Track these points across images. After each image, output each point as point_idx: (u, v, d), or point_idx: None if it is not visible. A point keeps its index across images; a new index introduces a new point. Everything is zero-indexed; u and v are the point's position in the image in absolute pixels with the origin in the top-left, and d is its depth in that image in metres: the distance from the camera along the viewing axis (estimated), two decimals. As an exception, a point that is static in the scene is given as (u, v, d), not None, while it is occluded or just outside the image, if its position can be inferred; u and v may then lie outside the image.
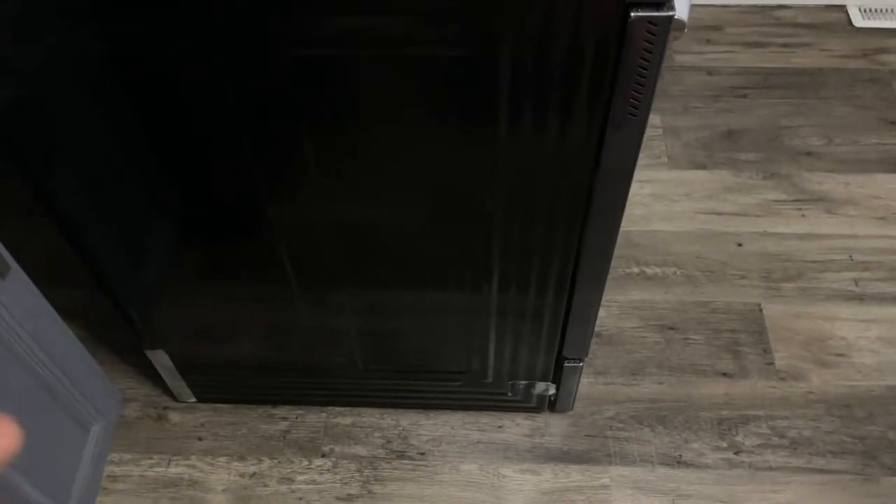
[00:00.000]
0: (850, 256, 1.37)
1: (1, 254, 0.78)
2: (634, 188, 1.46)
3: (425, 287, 0.91)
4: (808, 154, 1.52)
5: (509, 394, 1.14)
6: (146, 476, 1.15)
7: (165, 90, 0.67)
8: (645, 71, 0.62)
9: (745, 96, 1.62)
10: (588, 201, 0.76)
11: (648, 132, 1.55)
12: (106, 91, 0.67)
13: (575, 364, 1.06)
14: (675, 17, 0.60)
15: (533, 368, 1.07)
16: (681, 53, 1.71)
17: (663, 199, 1.46)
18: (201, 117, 0.69)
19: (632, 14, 0.58)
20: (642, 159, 1.51)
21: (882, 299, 1.31)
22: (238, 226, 0.85)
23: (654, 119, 1.58)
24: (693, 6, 1.79)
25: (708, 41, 1.73)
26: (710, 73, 1.67)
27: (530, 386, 1.12)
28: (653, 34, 0.59)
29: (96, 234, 0.86)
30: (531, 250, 0.83)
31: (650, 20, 0.58)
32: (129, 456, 1.17)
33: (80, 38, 0.63)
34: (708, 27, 1.76)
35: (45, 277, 1.36)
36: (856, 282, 1.34)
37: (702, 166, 1.51)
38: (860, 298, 1.32)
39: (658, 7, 0.58)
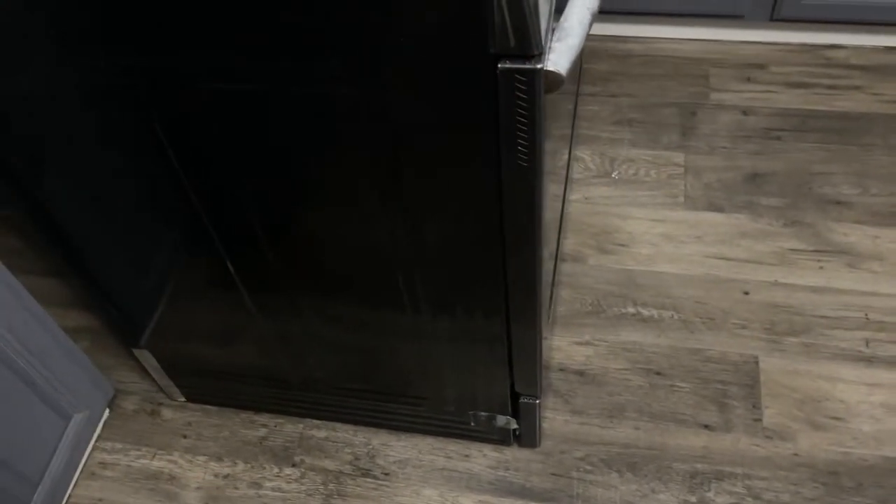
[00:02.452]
0: (866, 315, 1.29)
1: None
2: (645, 227, 1.44)
3: (368, 310, 0.94)
4: (838, 203, 1.45)
5: (472, 423, 1.14)
6: (132, 466, 1.23)
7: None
8: (524, 121, 0.63)
9: (778, 138, 1.56)
10: (502, 244, 0.77)
11: (669, 171, 1.53)
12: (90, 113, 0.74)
13: (531, 401, 1.06)
14: (549, 69, 0.60)
15: (490, 401, 1.08)
16: (717, 91, 1.66)
17: (673, 239, 1.42)
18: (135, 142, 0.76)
19: (499, 66, 0.59)
20: (657, 198, 1.49)
21: (893, 363, 1.23)
22: (209, 240, 0.91)
23: (676, 157, 1.55)
24: (739, 42, 1.74)
25: (748, 79, 1.68)
26: (745, 113, 1.62)
27: (491, 418, 1.12)
28: (524, 86, 0.60)
29: (80, 238, 0.94)
30: (454, 284, 0.84)
31: (518, 72, 0.59)
32: (119, 446, 1.25)
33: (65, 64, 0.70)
34: (751, 65, 1.70)
35: (52, 272, 1.48)
36: (867, 342, 1.26)
37: (719, 209, 1.46)
38: (869, 360, 1.24)
39: (527, 59, 0.59)
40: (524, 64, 0.59)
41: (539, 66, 0.59)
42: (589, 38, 1.79)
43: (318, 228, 0.82)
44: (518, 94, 0.61)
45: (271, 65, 0.63)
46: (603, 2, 1.66)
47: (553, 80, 0.61)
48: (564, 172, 1.40)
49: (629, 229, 1.45)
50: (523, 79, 0.60)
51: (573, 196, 1.52)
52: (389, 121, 0.66)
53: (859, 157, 1.52)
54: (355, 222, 0.79)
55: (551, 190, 1.14)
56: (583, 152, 1.58)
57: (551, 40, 0.63)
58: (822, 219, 1.43)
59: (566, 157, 1.43)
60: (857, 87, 1.63)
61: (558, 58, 0.61)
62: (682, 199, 1.49)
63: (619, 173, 1.54)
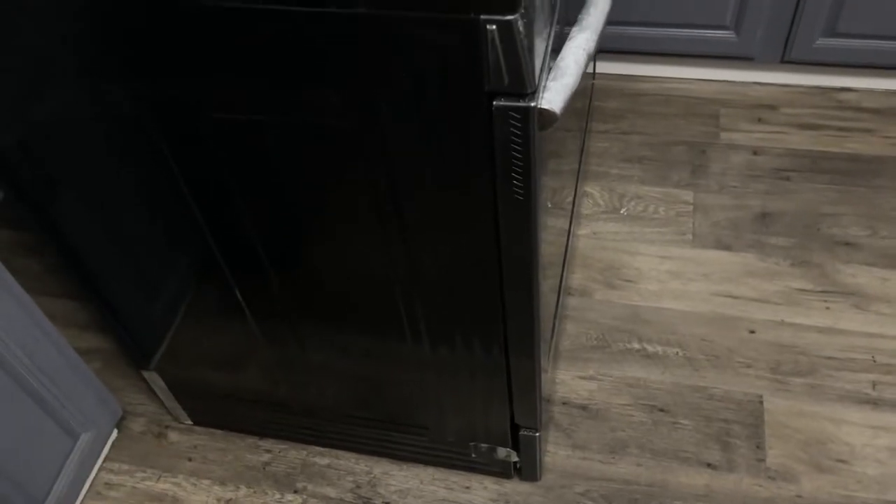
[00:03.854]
0: (873, 357, 1.29)
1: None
2: (652, 263, 1.45)
3: (370, 339, 0.96)
4: (847, 244, 1.45)
5: (473, 455, 1.15)
6: (137, 488, 1.25)
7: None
8: (519, 157, 0.65)
9: (788, 179, 1.57)
10: (500, 276, 0.79)
11: (677, 208, 1.54)
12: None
13: (531, 433, 1.06)
14: (543, 107, 0.63)
15: (490, 433, 1.08)
16: (728, 131, 1.68)
17: (680, 276, 1.43)
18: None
19: (493, 103, 0.61)
20: (666, 235, 1.50)
21: (899, 407, 1.22)
22: (218, 267, 0.94)
23: (685, 195, 1.56)
24: (750, 84, 1.76)
25: (759, 120, 1.69)
26: (755, 153, 1.63)
27: (492, 450, 1.12)
28: (518, 123, 0.62)
29: (95, 262, 0.97)
30: (454, 316, 0.86)
31: (512, 110, 0.61)
32: (126, 467, 1.27)
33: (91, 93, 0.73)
34: (762, 106, 1.72)
35: (69, 295, 1.51)
36: (874, 385, 1.25)
37: (727, 247, 1.47)
38: (875, 403, 1.23)
39: (521, 97, 0.61)
40: (518, 102, 0.61)
41: (533, 104, 0.61)
42: (600, 76, 1.82)
43: (321, 257, 0.84)
44: (513, 130, 0.63)
45: (273, 97, 0.66)
46: (613, 42, 1.69)
47: (547, 117, 0.63)
48: (571, 207, 1.42)
49: (636, 265, 1.46)
50: (517, 116, 0.62)
51: (581, 231, 1.53)
52: (387, 153, 0.68)
53: (869, 198, 1.52)
54: (355, 252, 0.81)
55: (557, 224, 1.16)
56: (592, 188, 1.60)
57: (546, 79, 0.65)
58: (831, 259, 1.43)
59: (574, 192, 1.44)
60: (868, 130, 1.64)
61: (553, 96, 0.63)
62: (690, 236, 1.49)
63: (628, 210, 1.55)
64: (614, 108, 1.75)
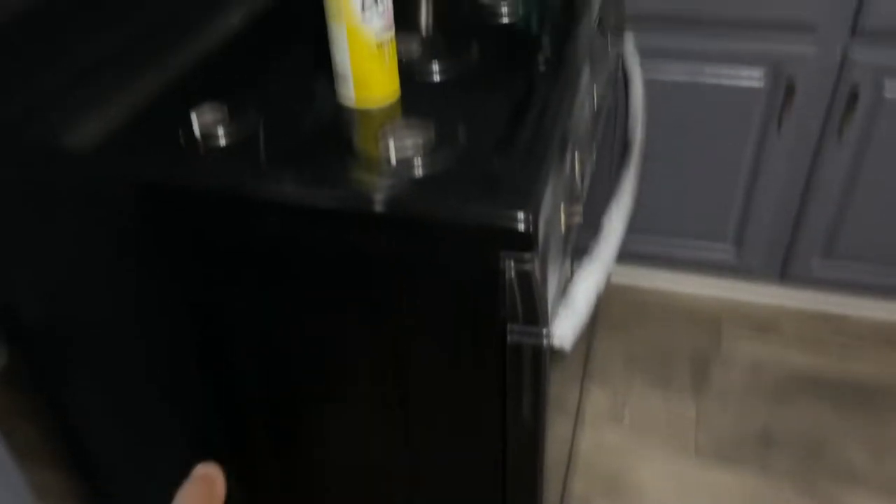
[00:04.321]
0: None
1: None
2: (655, 478, 1.43)
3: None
4: (852, 474, 1.42)
5: None
6: None
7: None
8: (530, 383, 0.67)
9: (791, 401, 1.57)
10: (503, 488, 0.78)
11: (680, 419, 1.53)
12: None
13: None
14: (554, 342, 0.65)
15: None
16: (729, 343, 1.70)
17: (683, 496, 1.40)
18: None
19: (507, 334, 0.64)
20: (668, 447, 1.48)
21: None
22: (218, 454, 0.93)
23: (688, 406, 1.56)
24: (752, 300, 1.81)
25: (761, 336, 1.72)
26: (756, 370, 1.64)
27: None
28: (530, 354, 0.65)
29: (95, 439, 0.97)
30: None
31: (524, 341, 0.64)
32: None
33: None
34: (764, 321, 1.76)
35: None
36: None
37: (731, 468, 1.44)
38: None
39: (534, 331, 0.64)
40: (531, 335, 0.64)
41: (545, 339, 0.64)
42: (605, 283, 1.88)
43: (325, 442, 0.84)
44: (523, 359, 0.65)
45: (293, 313, 0.70)
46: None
47: (557, 353, 0.66)
48: (575, 410, 1.42)
49: (638, 479, 1.43)
50: (530, 348, 0.64)
51: (583, 436, 1.52)
52: (401, 367, 0.71)
53: (874, 427, 1.51)
54: (361, 443, 0.81)
55: (561, 428, 1.16)
56: (595, 392, 1.61)
57: (558, 311, 0.68)
58: (836, 488, 1.40)
59: (577, 394, 1.45)
60: (870, 357, 1.67)
61: (564, 332, 0.66)
62: (692, 451, 1.48)
63: (631, 418, 1.55)
64: (617, 314, 1.79)
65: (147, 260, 0.72)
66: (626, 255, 1.79)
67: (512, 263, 0.59)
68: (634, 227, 1.70)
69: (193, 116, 0.72)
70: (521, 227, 0.57)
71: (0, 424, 1.40)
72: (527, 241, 0.58)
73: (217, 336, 0.76)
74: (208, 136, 0.71)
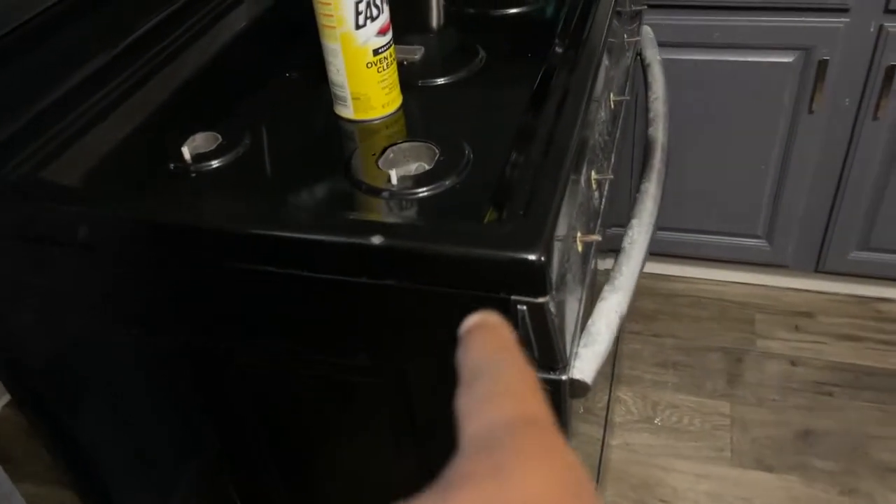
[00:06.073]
0: None
1: None
2: (688, 482, 1.37)
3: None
4: (898, 472, 1.36)
5: None
6: None
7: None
8: (558, 421, 0.62)
9: (830, 394, 1.51)
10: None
11: (714, 421, 1.47)
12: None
13: None
14: (575, 377, 0.60)
15: None
16: (764, 338, 1.64)
17: (719, 500, 1.34)
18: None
19: (523, 375, 0.59)
20: (702, 450, 1.42)
21: None
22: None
23: (722, 407, 1.50)
24: (785, 289, 1.74)
25: (797, 328, 1.65)
26: (793, 364, 1.58)
27: None
28: (549, 394, 0.60)
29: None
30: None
31: (543, 382, 0.59)
32: None
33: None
34: (799, 313, 1.69)
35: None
36: None
37: (768, 468, 1.38)
38: None
39: (552, 370, 0.59)
40: (549, 374, 0.59)
41: (564, 377, 0.59)
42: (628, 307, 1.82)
43: (335, 475, 0.80)
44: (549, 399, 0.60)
45: (302, 355, 0.65)
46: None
47: (579, 387, 0.60)
48: (605, 414, 1.36)
49: (672, 483, 1.38)
50: (548, 387, 0.59)
51: (614, 441, 1.46)
52: (412, 413, 0.66)
53: (918, 421, 1.44)
54: (373, 475, 0.77)
55: (590, 432, 1.11)
56: (625, 394, 1.55)
57: (578, 345, 0.63)
58: (881, 487, 1.34)
59: (606, 397, 1.39)
60: (911, 345, 1.59)
61: (584, 365, 0.61)
62: (728, 453, 1.42)
63: (662, 420, 1.49)
64: (648, 309, 1.73)
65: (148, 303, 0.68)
66: (654, 251, 1.72)
67: (525, 307, 0.54)
68: (664, 224, 1.65)
69: (185, 150, 0.68)
70: (532, 271, 0.52)
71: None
72: (540, 286, 0.53)
73: (217, 376, 0.72)
74: (199, 163, 0.67)
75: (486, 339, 0.28)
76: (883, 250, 1.55)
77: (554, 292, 0.54)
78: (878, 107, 1.38)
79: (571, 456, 0.22)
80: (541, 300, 0.54)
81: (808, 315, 1.68)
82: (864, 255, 1.57)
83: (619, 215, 1.10)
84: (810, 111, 1.42)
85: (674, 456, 1.42)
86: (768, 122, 1.46)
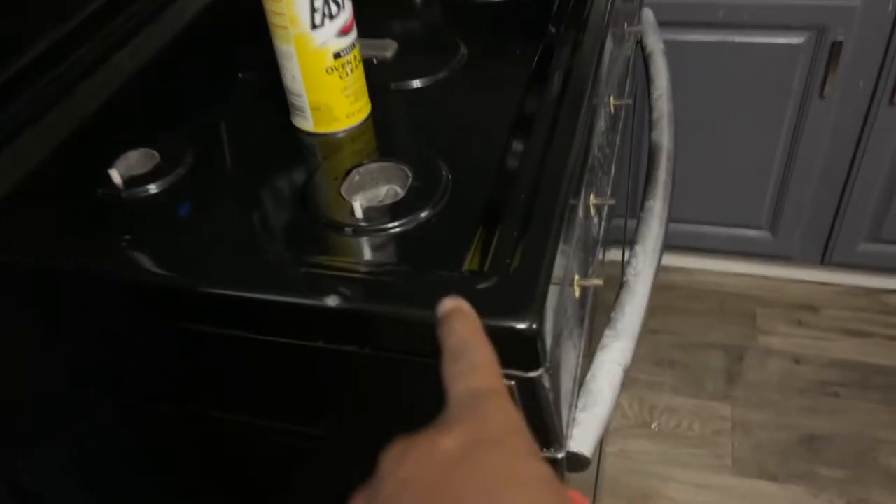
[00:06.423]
0: None
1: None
2: (688, 493, 1.30)
3: None
4: (909, 480, 1.29)
5: None
6: None
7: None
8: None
9: (835, 395, 1.43)
10: None
11: (714, 425, 1.40)
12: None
13: None
14: (572, 451, 0.51)
15: None
16: (766, 334, 1.55)
17: (720, 511, 1.27)
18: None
19: (512, 451, 0.50)
20: (703, 457, 1.35)
21: None
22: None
23: (722, 409, 1.42)
24: (788, 280, 1.65)
25: (800, 322, 1.57)
26: (797, 362, 1.50)
27: None
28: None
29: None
30: None
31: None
32: None
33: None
34: (802, 306, 1.60)
35: None
36: None
37: (772, 477, 1.31)
38: None
39: (547, 448, 0.50)
40: (545, 452, 0.50)
41: (560, 455, 0.50)
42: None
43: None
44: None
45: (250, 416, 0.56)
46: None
47: (577, 462, 0.51)
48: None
49: (670, 494, 1.30)
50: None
51: (610, 448, 1.39)
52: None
53: (929, 423, 1.37)
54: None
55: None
56: (621, 397, 1.47)
57: (576, 409, 0.54)
58: (891, 497, 1.27)
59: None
60: (920, 340, 1.52)
61: (583, 435, 0.52)
62: (729, 460, 1.34)
63: (660, 424, 1.41)
64: (643, 303, 1.64)
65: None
66: (649, 239, 1.63)
67: (514, 381, 0.44)
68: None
69: (114, 172, 0.58)
70: (522, 340, 0.42)
71: None
72: (532, 359, 0.43)
73: (171, 434, 0.63)
74: (132, 188, 0.56)
75: (463, 324, 0.38)
76: (894, 242, 1.46)
77: (548, 364, 0.45)
78: (894, 91, 1.27)
79: (517, 414, 0.33)
80: (532, 375, 0.44)
81: (812, 308, 1.60)
82: (875, 246, 1.48)
83: (616, 210, 1.00)
84: (821, 96, 1.31)
85: (672, 464, 1.35)
86: (776, 107, 1.36)
